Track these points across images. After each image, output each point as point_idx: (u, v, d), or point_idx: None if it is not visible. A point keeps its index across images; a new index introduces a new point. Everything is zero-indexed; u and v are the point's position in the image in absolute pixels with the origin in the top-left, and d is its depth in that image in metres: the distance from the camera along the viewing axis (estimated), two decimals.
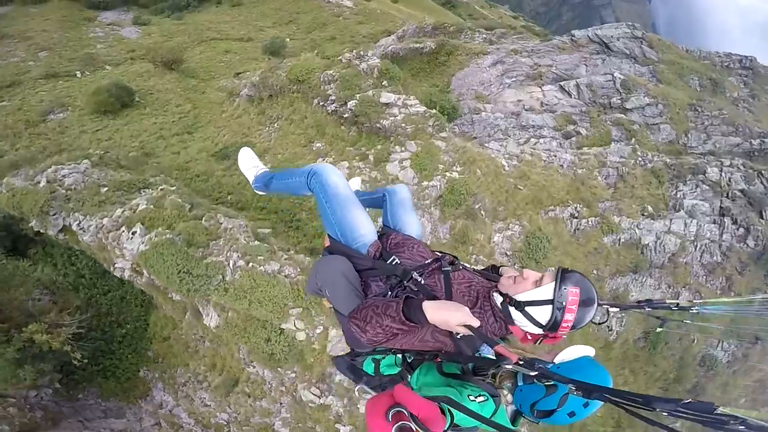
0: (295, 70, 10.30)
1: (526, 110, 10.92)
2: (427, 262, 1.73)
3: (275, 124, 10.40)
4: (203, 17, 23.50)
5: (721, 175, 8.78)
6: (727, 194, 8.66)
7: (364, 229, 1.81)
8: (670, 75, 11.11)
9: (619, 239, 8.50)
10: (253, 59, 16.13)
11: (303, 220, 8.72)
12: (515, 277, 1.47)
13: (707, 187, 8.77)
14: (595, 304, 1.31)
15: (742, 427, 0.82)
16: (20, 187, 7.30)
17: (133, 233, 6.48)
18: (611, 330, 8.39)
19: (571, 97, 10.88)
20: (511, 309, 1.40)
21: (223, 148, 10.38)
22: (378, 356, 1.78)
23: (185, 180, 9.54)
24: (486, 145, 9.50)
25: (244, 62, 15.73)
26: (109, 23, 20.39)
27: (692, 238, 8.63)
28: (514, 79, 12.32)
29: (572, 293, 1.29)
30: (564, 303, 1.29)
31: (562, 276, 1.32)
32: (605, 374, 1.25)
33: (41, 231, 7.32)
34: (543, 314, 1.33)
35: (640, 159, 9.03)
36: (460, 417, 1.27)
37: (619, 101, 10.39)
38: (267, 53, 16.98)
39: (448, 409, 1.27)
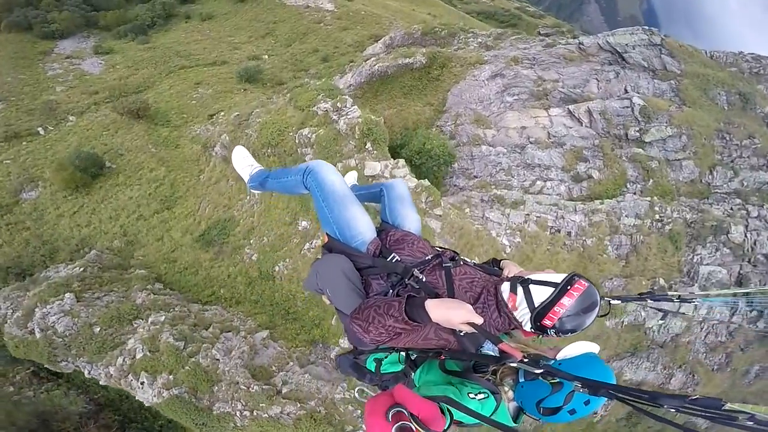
0: (265, 133, 8.88)
1: (531, 143, 9.51)
2: (427, 258, 1.69)
3: (256, 193, 9.40)
4: (172, 37, 21.46)
5: (745, 236, 7.60)
6: (750, 259, 7.57)
7: (362, 226, 1.77)
8: (694, 92, 9.48)
9: (623, 322, 7.75)
10: (227, 92, 14.61)
11: (299, 311, 8.01)
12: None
13: (728, 251, 7.64)
14: (595, 311, 1.27)
15: (751, 422, 0.82)
16: (20, 337, 7.29)
17: (142, 383, 6.55)
18: (596, 413, 7.97)
19: (581, 125, 9.26)
20: (515, 285, 1.38)
21: (206, 231, 9.46)
22: (381, 355, 1.76)
23: (172, 276, 8.88)
24: (486, 214, 7.92)
25: (218, 97, 14.23)
26: (67, 56, 18.56)
27: (700, 319, 7.88)
28: (516, 97, 10.75)
29: (579, 283, 1.27)
30: (567, 288, 1.27)
31: (577, 273, 1.34)
32: (608, 371, 1.23)
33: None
34: (541, 294, 1.32)
35: (657, 219, 7.82)
36: (461, 414, 1.26)
37: (638, 133, 8.72)
38: (242, 81, 15.44)
39: (448, 409, 1.27)
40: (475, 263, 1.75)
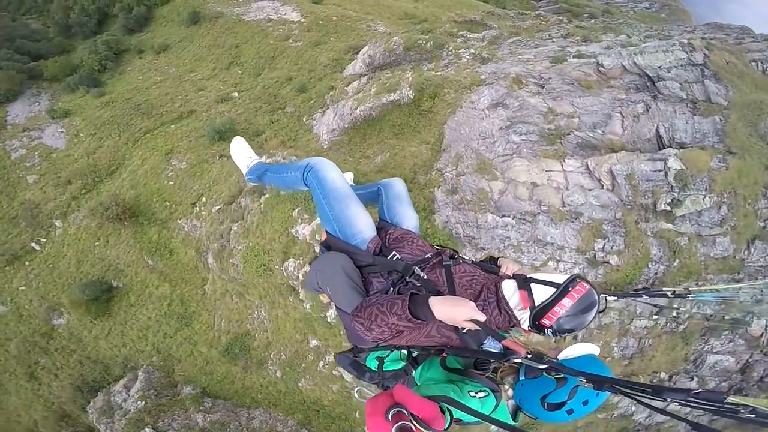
0: (250, 266, 8.27)
1: (543, 211, 8.72)
2: (427, 256, 1.70)
3: (261, 311, 9.23)
4: (128, 82, 19.39)
5: (765, 329, 6.86)
6: (763, 350, 7.08)
7: (362, 224, 1.78)
8: (743, 131, 7.77)
9: (613, 414, 7.54)
10: (202, 163, 13.34)
11: (328, 408, 8.53)
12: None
13: (743, 342, 7.03)
14: (594, 311, 1.27)
15: (753, 415, 0.83)
16: None
17: None
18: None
19: (602, 188, 7.83)
20: (517, 283, 1.39)
21: (228, 345, 9.74)
22: (382, 353, 1.75)
23: (214, 386, 9.68)
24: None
25: (194, 173, 12.90)
26: (24, 127, 17.02)
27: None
28: (523, 137, 9.17)
29: (580, 285, 1.28)
30: (569, 289, 1.27)
31: (579, 274, 1.33)
32: (608, 371, 1.25)
33: None
34: (542, 294, 1.32)
35: (673, 317, 7.08)
36: (460, 413, 1.26)
37: (668, 206, 7.25)
38: (215, 139, 14.13)
39: (448, 408, 1.26)
40: (473, 261, 1.76)
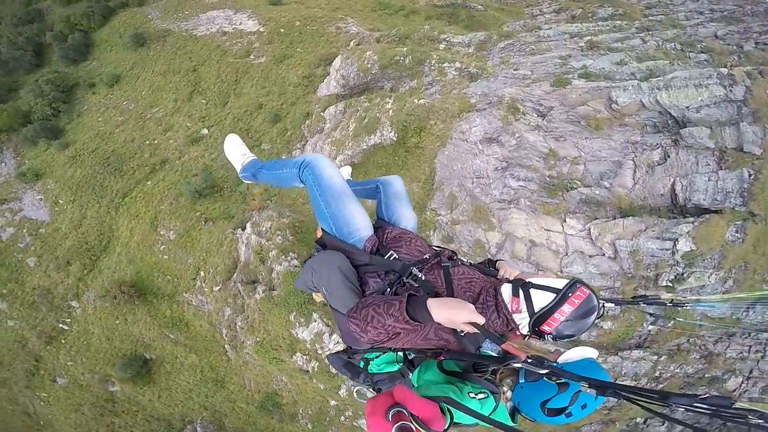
0: (262, 358, 8.76)
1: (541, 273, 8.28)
2: (425, 257, 1.69)
3: (282, 377, 9.91)
4: (88, 125, 18.12)
5: (740, 385, 6.86)
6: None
7: (359, 223, 1.75)
8: None
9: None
10: (190, 231, 12.66)
11: None
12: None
13: (716, 393, 6.88)
14: (593, 316, 1.27)
15: (761, 420, 0.82)
16: None
17: None
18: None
19: (604, 256, 7.18)
20: (517, 288, 1.37)
21: (262, 403, 10.76)
22: (371, 354, 1.75)
23: None
24: None
25: (184, 244, 12.52)
26: (1, 200, 16.50)
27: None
28: (521, 183, 8.38)
29: (581, 290, 1.27)
30: (569, 295, 1.26)
31: (579, 279, 1.32)
32: (606, 375, 1.25)
33: None
34: (542, 299, 1.30)
35: (654, 376, 7.06)
36: (460, 415, 1.28)
37: (671, 282, 6.71)
38: (195, 198, 13.47)
39: (448, 409, 1.28)
40: (471, 263, 1.74)
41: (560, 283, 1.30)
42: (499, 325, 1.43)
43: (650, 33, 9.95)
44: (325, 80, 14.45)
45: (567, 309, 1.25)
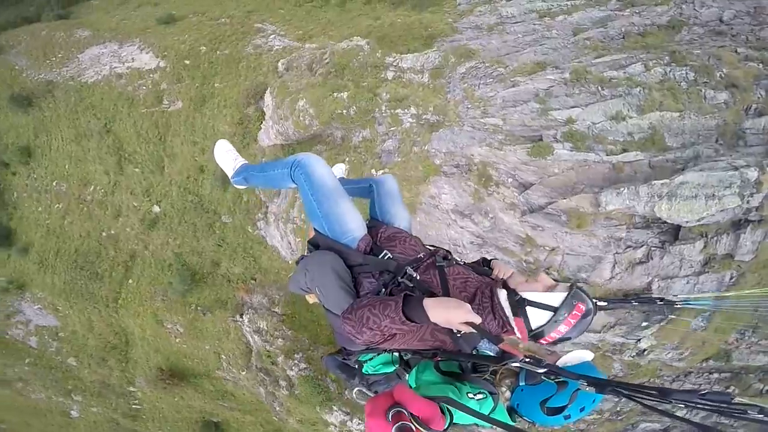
0: None
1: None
2: (420, 256, 1.69)
3: None
4: (31, 219, 16.72)
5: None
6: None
7: (353, 222, 1.76)
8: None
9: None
10: (193, 320, 12.93)
11: None
12: (528, 277, 1.49)
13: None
14: (589, 319, 1.29)
15: (761, 415, 0.84)
16: None
17: None
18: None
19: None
20: (516, 309, 1.36)
21: None
22: (365, 356, 1.77)
23: None
24: None
25: (192, 333, 12.96)
26: (7, 315, 16.85)
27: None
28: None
29: (578, 309, 1.26)
30: (565, 316, 1.26)
31: (575, 292, 1.30)
32: (603, 377, 1.26)
33: None
34: (539, 318, 1.31)
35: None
36: (459, 415, 1.29)
37: (632, 357, 6.94)
38: (183, 294, 13.16)
39: (448, 409, 1.29)
40: (465, 262, 1.76)
41: (557, 300, 1.28)
42: (494, 326, 1.43)
43: (650, 53, 7.65)
44: (263, 125, 12.47)
45: (563, 329, 1.24)
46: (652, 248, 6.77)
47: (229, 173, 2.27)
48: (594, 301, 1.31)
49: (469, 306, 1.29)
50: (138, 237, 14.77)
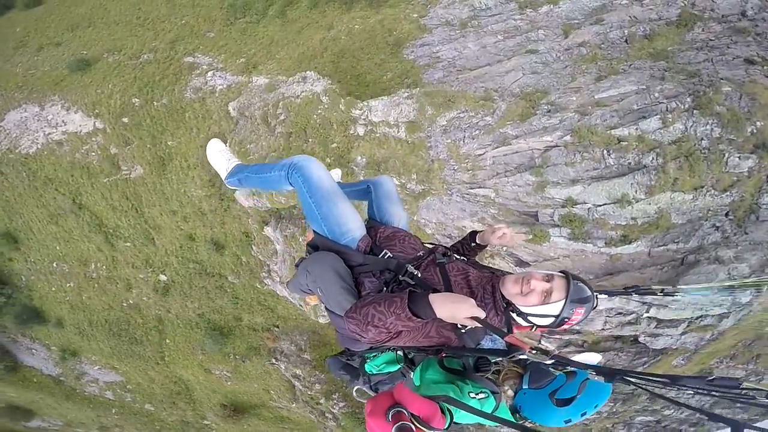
0: None
1: None
2: (420, 254, 1.72)
3: None
4: (51, 297, 17.41)
5: None
6: None
7: (352, 223, 1.77)
8: None
9: None
10: (235, 368, 14.21)
11: None
12: (522, 285, 1.44)
13: None
14: (590, 306, 1.36)
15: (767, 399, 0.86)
16: None
17: None
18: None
19: None
20: (513, 315, 1.44)
21: None
22: (370, 354, 1.80)
23: None
24: None
25: (237, 376, 14.27)
26: (77, 377, 19.04)
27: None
28: None
29: (577, 313, 1.34)
30: (568, 318, 1.35)
31: (571, 292, 1.34)
32: (608, 385, 1.26)
33: None
34: (543, 323, 1.42)
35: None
36: (460, 415, 1.30)
37: None
38: (216, 349, 14.20)
39: (448, 409, 1.30)
40: (457, 257, 1.74)
41: (556, 309, 1.36)
42: (497, 321, 1.48)
43: (665, 78, 6.11)
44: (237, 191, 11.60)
45: (566, 327, 1.38)
46: (640, 314, 6.98)
47: (222, 174, 2.21)
48: (592, 289, 1.36)
49: (473, 301, 1.29)
50: (157, 304, 15.41)
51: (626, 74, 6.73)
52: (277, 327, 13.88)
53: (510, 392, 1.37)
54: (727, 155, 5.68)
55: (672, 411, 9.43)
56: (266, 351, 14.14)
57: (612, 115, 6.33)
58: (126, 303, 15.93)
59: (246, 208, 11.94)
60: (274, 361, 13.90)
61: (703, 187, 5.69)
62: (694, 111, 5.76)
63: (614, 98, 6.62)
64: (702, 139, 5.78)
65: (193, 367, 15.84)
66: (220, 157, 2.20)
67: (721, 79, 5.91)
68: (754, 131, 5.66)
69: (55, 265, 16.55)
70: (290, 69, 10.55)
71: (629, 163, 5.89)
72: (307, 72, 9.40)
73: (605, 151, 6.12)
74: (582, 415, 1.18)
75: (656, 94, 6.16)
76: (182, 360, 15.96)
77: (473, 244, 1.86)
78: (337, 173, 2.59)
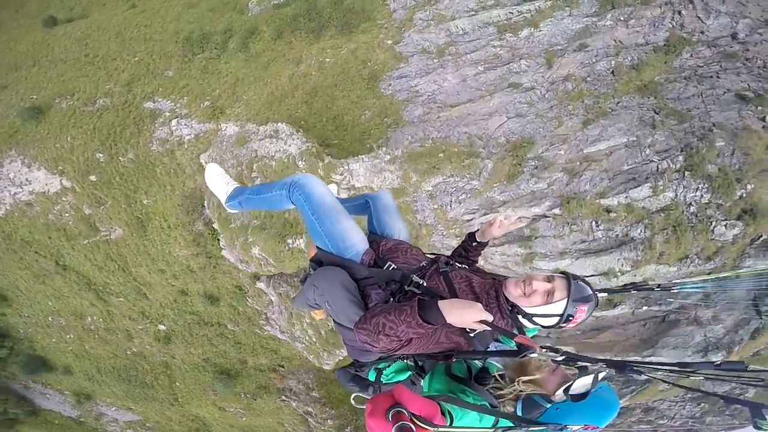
0: None
1: None
2: (423, 264, 1.75)
3: None
4: (53, 347, 17.38)
5: None
6: None
7: (355, 237, 1.79)
8: None
9: None
10: (249, 404, 14.44)
11: None
12: (524, 287, 1.48)
13: None
14: (592, 305, 1.40)
15: None
16: None
17: None
18: None
19: None
20: (519, 317, 1.48)
21: None
22: (382, 365, 1.81)
23: None
24: None
25: (252, 412, 14.58)
26: (96, 418, 19.47)
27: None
28: None
29: (580, 311, 1.37)
30: (572, 316, 1.39)
31: (573, 291, 1.38)
32: (616, 400, 1.30)
33: None
34: (548, 323, 1.45)
35: None
36: (460, 417, 1.32)
37: None
38: (229, 392, 14.34)
39: (448, 411, 1.32)
40: (466, 266, 1.78)
41: (559, 308, 1.39)
42: (503, 325, 1.51)
43: (656, 124, 5.45)
44: (221, 242, 11.07)
45: (569, 326, 1.43)
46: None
47: (222, 198, 2.21)
48: (592, 288, 1.41)
49: (480, 305, 1.34)
50: (161, 351, 15.31)
51: (615, 116, 5.99)
52: (283, 367, 13.86)
53: (509, 408, 1.40)
54: (714, 223, 5.27)
55: (666, 420, 9.63)
56: (275, 389, 14.24)
57: (601, 178, 5.72)
58: (130, 351, 15.84)
59: (235, 264, 11.38)
60: (284, 398, 14.05)
61: (687, 257, 5.29)
62: (686, 173, 5.18)
63: (603, 152, 5.95)
64: (690, 204, 5.27)
65: (207, 405, 16.07)
66: (219, 181, 2.19)
67: (713, 125, 5.22)
68: (744, 195, 5.15)
69: (50, 318, 16.27)
70: (260, 113, 9.53)
71: (617, 235, 5.41)
72: (279, 124, 8.45)
73: (594, 223, 5.60)
74: (585, 428, 1.18)
75: (647, 150, 5.50)
76: (196, 400, 16.16)
77: (474, 244, 1.90)
78: (332, 189, 2.36)
